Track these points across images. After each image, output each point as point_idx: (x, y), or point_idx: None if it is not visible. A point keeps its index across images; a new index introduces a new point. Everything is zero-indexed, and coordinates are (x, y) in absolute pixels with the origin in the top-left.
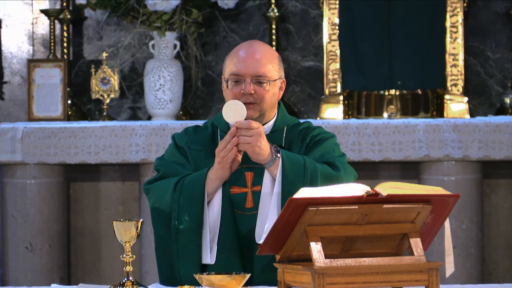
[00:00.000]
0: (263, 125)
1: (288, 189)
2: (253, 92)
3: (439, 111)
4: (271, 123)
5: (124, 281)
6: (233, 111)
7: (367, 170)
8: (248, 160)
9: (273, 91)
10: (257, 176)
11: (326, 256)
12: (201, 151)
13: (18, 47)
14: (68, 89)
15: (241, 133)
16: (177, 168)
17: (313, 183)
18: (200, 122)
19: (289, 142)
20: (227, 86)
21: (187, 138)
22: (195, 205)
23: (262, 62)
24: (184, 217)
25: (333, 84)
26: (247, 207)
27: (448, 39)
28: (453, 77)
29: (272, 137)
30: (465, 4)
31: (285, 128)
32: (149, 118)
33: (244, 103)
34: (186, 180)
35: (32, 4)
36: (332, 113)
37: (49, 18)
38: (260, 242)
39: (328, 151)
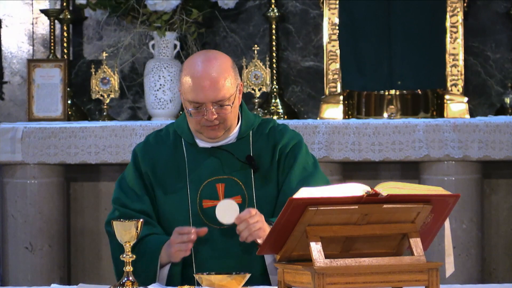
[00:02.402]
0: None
1: None
2: (216, 116)
3: (439, 111)
4: (236, 130)
5: (124, 281)
6: (225, 211)
7: (367, 170)
8: (218, 171)
9: (235, 105)
10: (228, 187)
11: (326, 256)
12: (165, 173)
13: (18, 47)
14: (68, 89)
15: (248, 224)
16: (133, 204)
17: None
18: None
19: (258, 150)
20: (189, 114)
21: (148, 157)
22: (149, 271)
23: (219, 85)
24: (140, 275)
25: (333, 84)
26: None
27: (448, 39)
28: (453, 77)
29: (239, 145)
30: (465, 4)
31: (250, 133)
32: (149, 118)
33: (208, 126)
34: (140, 254)
35: (32, 4)
36: (332, 113)
37: (49, 18)
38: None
39: (305, 167)
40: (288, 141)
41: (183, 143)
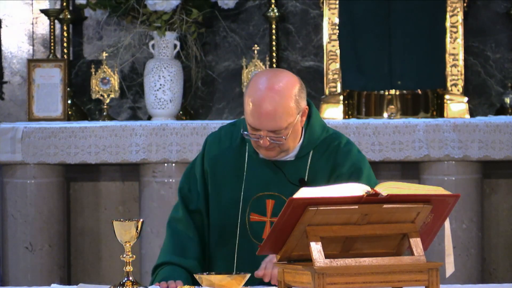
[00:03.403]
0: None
1: None
2: (269, 144)
3: (439, 111)
4: (297, 148)
5: (124, 281)
6: None
7: None
8: (271, 187)
9: (295, 129)
10: (277, 205)
11: (326, 256)
12: (223, 177)
13: (18, 47)
14: (68, 89)
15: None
16: (192, 201)
17: None
18: (200, 123)
19: (316, 170)
20: (248, 136)
21: (213, 154)
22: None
23: (276, 115)
24: None
25: (333, 84)
26: (264, 238)
27: (448, 39)
28: (453, 77)
29: (296, 164)
30: (465, 4)
31: (311, 153)
32: (149, 118)
33: (263, 147)
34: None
35: (32, 4)
36: (332, 113)
37: (49, 18)
38: None
39: None
40: (348, 168)
41: (247, 149)
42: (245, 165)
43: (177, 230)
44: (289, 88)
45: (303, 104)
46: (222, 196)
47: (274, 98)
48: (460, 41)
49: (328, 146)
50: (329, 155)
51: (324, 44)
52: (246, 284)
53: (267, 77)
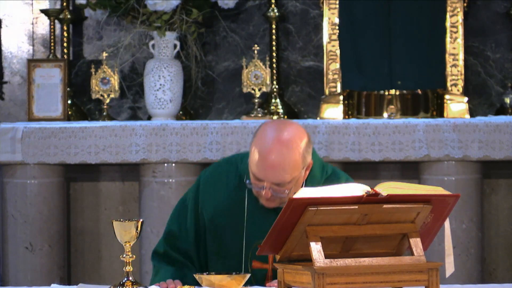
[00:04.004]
0: None
1: None
2: (270, 196)
3: (439, 111)
4: None
5: (124, 281)
6: None
7: (367, 170)
8: None
9: (297, 183)
10: None
11: (326, 256)
12: (222, 222)
13: (18, 47)
14: (68, 89)
15: None
16: (181, 241)
17: None
18: (200, 123)
19: None
20: (249, 183)
21: (209, 196)
22: None
23: (282, 169)
24: None
25: (333, 84)
26: (266, 285)
27: (448, 39)
28: (453, 77)
29: None
30: (465, 4)
31: None
32: (149, 118)
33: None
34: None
35: (32, 4)
36: (332, 113)
37: (49, 18)
38: None
39: None
40: None
41: (246, 194)
42: (245, 212)
43: (167, 261)
44: (297, 142)
45: (309, 158)
46: (222, 243)
47: (281, 150)
48: (460, 41)
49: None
50: None
51: (324, 44)
52: (246, 284)
53: (275, 128)
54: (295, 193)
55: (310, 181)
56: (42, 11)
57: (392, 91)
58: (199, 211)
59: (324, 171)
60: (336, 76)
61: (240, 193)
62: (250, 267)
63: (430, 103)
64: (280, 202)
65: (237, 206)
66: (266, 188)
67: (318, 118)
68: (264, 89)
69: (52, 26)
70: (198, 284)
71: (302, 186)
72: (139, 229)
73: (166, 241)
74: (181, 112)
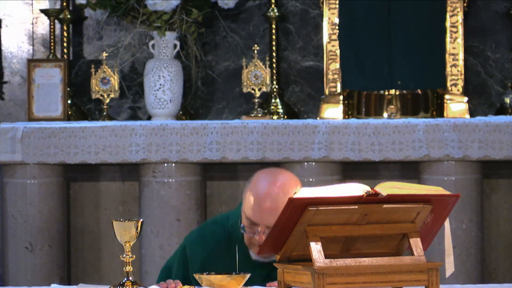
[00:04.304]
0: None
1: None
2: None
3: (439, 111)
4: None
5: (124, 281)
6: None
7: (367, 170)
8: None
9: None
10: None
11: (326, 256)
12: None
13: (18, 47)
14: (68, 89)
15: None
16: None
17: None
18: (200, 123)
19: None
20: (243, 228)
21: (197, 262)
22: None
23: (277, 211)
24: None
25: (333, 84)
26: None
27: (448, 39)
28: (453, 77)
29: None
30: (465, 4)
31: None
32: (149, 118)
33: (256, 244)
34: None
35: (32, 4)
36: (332, 113)
37: (49, 18)
38: None
39: None
40: None
41: (237, 251)
42: (236, 268)
43: None
44: (292, 186)
45: None
46: None
47: (277, 193)
48: (460, 41)
49: None
50: None
51: (324, 44)
52: (246, 284)
53: (270, 174)
54: None
55: None
56: (42, 11)
57: (392, 91)
58: (188, 270)
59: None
60: (336, 76)
61: (230, 250)
62: None
63: (430, 103)
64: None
65: (227, 263)
66: (260, 233)
67: (318, 118)
68: (264, 89)
69: (52, 26)
70: (198, 284)
71: None
72: (139, 229)
73: None
74: (181, 112)
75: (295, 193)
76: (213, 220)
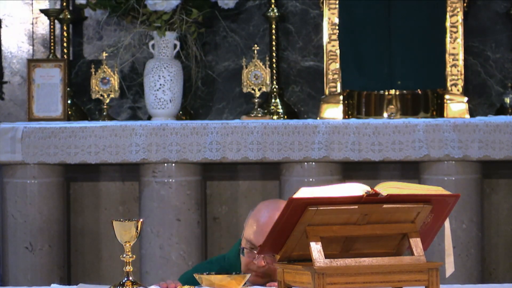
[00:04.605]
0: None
1: None
2: (264, 265)
3: (439, 111)
4: None
5: (124, 281)
6: None
7: (367, 170)
8: None
9: None
10: None
11: (326, 256)
12: None
13: (18, 47)
14: (68, 89)
15: None
16: None
17: None
18: (200, 123)
19: None
20: (242, 252)
21: None
22: None
23: None
24: None
25: (333, 84)
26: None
27: (448, 39)
28: (453, 77)
29: None
30: (465, 4)
31: None
32: (149, 118)
33: (254, 271)
34: None
35: (32, 4)
36: (332, 113)
37: (49, 18)
38: None
39: None
40: None
41: None
42: None
43: None
44: None
45: None
46: None
47: None
48: (460, 41)
49: None
50: None
51: (324, 44)
52: (246, 284)
53: (273, 203)
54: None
55: None
56: (42, 11)
57: (392, 91)
58: None
59: None
60: (336, 76)
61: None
62: None
63: (430, 103)
64: (269, 280)
65: None
66: (260, 257)
67: (318, 118)
68: (264, 89)
69: (52, 26)
70: (198, 284)
71: None
72: (139, 229)
73: None
74: (181, 112)
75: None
76: (209, 261)
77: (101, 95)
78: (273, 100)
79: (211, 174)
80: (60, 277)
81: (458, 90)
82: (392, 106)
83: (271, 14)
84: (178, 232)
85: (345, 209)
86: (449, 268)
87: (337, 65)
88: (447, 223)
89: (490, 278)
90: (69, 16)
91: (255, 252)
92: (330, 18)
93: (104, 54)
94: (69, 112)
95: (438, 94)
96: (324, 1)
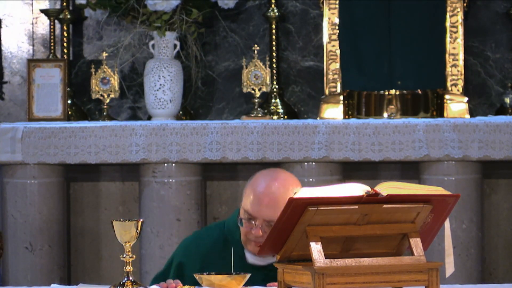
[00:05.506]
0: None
1: None
2: (261, 235)
3: (439, 111)
4: None
5: (124, 281)
6: None
7: (367, 170)
8: None
9: None
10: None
11: (326, 256)
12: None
13: (18, 47)
14: (68, 89)
15: None
16: None
17: None
18: (200, 123)
19: None
20: (240, 222)
21: (195, 257)
22: None
23: (276, 206)
24: None
25: (333, 84)
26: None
27: (448, 39)
28: (453, 77)
29: None
30: (465, 4)
31: None
32: (149, 118)
33: (253, 241)
34: None
35: (32, 4)
36: (332, 113)
37: (49, 18)
38: None
39: None
40: None
41: (232, 254)
42: (232, 269)
43: None
44: (292, 184)
45: None
46: None
47: (278, 188)
48: (460, 41)
49: None
50: None
51: (324, 44)
52: (246, 284)
53: (271, 173)
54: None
55: None
56: (42, 11)
57: (392, 91)
58: (184, 277)
59: None
60: (336, 76)
61: (225, 253)
62: None
63: (430, 103)
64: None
65: (223, 266)
66: (257, 226)
67: (318, 118)
68: (264, 89)
69: (52, 26)
70: (198, 284)
71: None
72: (139, 229)
73: None
74: (181, 112)
75: (295, 192)
76: (208, 227)
77: (101, 95)
78: (273, 100)
79: (211, 174)
80: (60, 277)
81: (458, 90)
82: (392, 106)
83: (271, 14)
84: (178, 232)
85: (345, 209)
86: (449, 268)
87: (337, 65)
88: (447, 223)
89: (490, 278)
90: (69, 16)
91: (253, 222)
92: (330, 18)
93: (104, 54)
94: (69, 112)
95: (438, 94)
96: (324, 1)
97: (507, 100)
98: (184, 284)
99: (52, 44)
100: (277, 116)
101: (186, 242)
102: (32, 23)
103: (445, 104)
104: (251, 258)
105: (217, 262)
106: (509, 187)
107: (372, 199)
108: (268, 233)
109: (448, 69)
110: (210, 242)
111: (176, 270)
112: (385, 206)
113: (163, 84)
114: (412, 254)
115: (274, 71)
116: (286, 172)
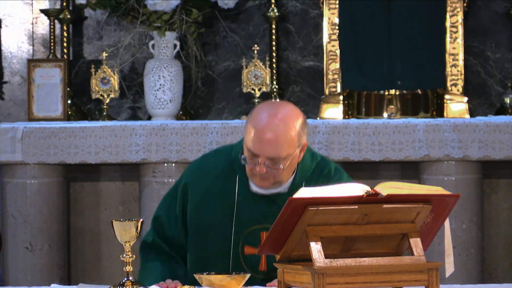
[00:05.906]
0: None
1: None
2: (265, 171)
3: (439, 111)
4: (290, 181)
5: (124, 281)
6: None
7: (367, 170)
8: (265, 219)
9: (291, 163)
10: None
11: (326, 256)
12: (211, 210)
13: (18, 47)
14: (68, 89)
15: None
16: (171, 229)
17: None
18: (200, 123)
19: None
20: (244, 160)
21: (198, 189)
22: None
23: (278, 143)
24: None
25: (333, 84)
26: (260, 270)
27: (448, 39)
28: (453, 77)
29: (290, 196)
30: (465, 4)
31: (303, 184)
32: (149, 118)
33: (257, 175)
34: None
35: (32, 4)
36: (332, 113)
37: (49, 18)
38: None
39: None
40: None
41: (237, 181)
42: (236, 199)
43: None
44: (293, 119)
45: (304, 139)
46: (211, 229)
47: (278, 125)
48: (460, 41)
49: (319, 175)
50: (321, 184)
51: (324, 44)
52: (246, 284)
53: (272, 106)
54: (288, 172)
55: (301, 168)
56: (42, 11)
57: (392, 91)
58: (187, 199)
59: (314, 158)
60: (336, 76)
61: (230, 180)
62: (242, 253)
63: (430, 103)
64: (273, 182)
65: (228, 194)
66: (261, 164)
67: (318, 118)
68: (264, 89)
69: (52, 26)
70: (197, 284)
71: (295, 170)
72: (139, 229)
73: (155, 229)
74: (181, 112)
75: (297, 125)
76: (218, 150)
77: (101, 95)
78: (273, 100)
79: None
80: (60, 277)
81: (458, 90)
82: (392, 106)
83: (271, 14)
84: None
85: (345, 209)
86: (449, 268)
87: (337, 65)
88: (447, 223)
89: (490, 278)
90: (69, 16)
91: (256, 160)
92: (330, 18)
93: (104, 54)
94: (69, 112)
95: (438, 94)
96: (324, 1)
97: (507, 100)
98: (184, 284)
99: (52, 44)
100: None
101: (194, 165)
102: (32, 23)
103: (445, 104)
104: (254, 187)
105: (221, 189)
106: (509, 187)
107: (372, 199)
108: (272, 170)
109: (448, 69)
110: (216, 169)
111: (182, 191)
112: (385, 206)
113: (163, 84)
114: (412, 254)
115: (274, 71)
116: (287, 105)
